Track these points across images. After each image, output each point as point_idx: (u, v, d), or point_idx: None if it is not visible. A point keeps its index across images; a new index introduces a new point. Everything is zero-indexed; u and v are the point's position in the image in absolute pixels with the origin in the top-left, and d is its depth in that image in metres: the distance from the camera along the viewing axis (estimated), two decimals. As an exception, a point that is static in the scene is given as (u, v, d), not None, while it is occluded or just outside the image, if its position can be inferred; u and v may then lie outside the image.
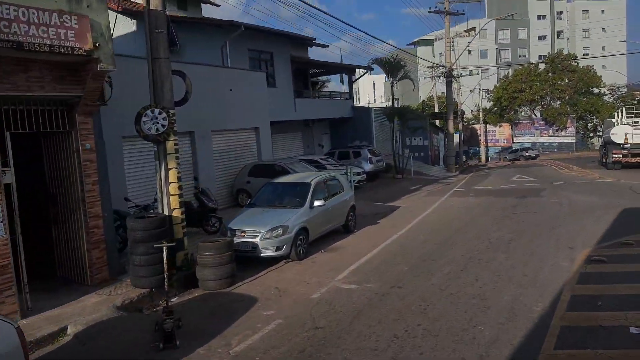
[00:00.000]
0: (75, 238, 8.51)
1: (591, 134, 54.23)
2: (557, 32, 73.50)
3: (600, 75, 53.27)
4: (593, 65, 54.01)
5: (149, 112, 8.65)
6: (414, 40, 76.92)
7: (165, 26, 8.77)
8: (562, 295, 7.22)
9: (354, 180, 19.84)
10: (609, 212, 13.62)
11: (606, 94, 54.73)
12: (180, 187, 9.03)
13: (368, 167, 23.54)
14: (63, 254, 8.83)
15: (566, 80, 53.19)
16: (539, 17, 71.95)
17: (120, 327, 6.98)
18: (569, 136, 53.85)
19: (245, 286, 8.66)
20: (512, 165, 40.46)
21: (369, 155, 24.16)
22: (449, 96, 33.23)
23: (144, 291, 8.09)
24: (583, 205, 15.11)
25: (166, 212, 8.90)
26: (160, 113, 8.66)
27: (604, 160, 28.91)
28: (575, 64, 53.73)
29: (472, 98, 54.40)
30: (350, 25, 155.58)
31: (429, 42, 71.86)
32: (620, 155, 26.45)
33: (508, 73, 59.75)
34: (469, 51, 56.54)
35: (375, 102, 71.59)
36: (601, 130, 39.43)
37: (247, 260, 9.69)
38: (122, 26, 13.56)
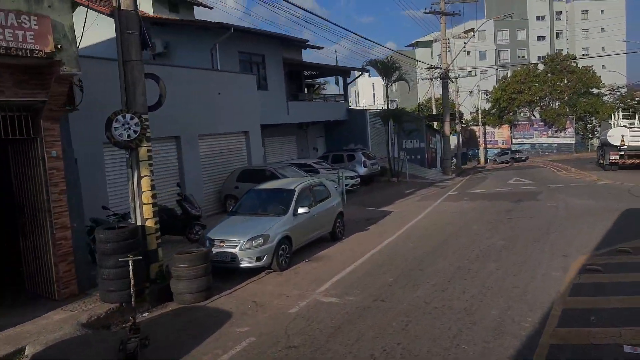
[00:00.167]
0: (43, 250, 8.06)
1: (590, 135, 53.79)
2: (557, 33, 73.08)
3: (600, 76, 52.94)
4: (592, 66, 53.65)
5: (120, 117, 8.23)
6: (413, 41, 76.73)
7: (137, 27, 8.35)
8: (553, 310, 6.80)
9: (347, 185, 19.48)
10: (607, 216, 13.20)
11: (605, 95, 54.28)
12: (154, 196, 8.62)
13: (362, 170, 23.09)
14: (31, 266, 8.38)
15: (565, 81, 52.79)
16: (538, 18, 71.57)
17: (83, 346, 6.55)
18: (568, 137, 53.46)
19: (223, 299, 8.25)
20: (510, 167, 40.01)
21: (363, 159, 23.72)
22: (446, 98, 32.90)
23: (113, 306, 7.64)
24: (580, 209, 14.69)
25: (139, 222, 8.48)
26: (132, 118, 8.24)
27: (601, 161, 28.82)
28: (575, 64, 53.33)
29: (470, 99, 54.01)
30: (348, 30, 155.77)
31: (428, 44, 71.47)
32: (617, 157, 26.37)
33: (507, 74, 59.37)
34: (468, 52, 56.29)
35: (374, 104, 71.17)
36: (599, 131, 39.23)
37: (227, 271, 9.29)
38: (108, 30, 13.13)
